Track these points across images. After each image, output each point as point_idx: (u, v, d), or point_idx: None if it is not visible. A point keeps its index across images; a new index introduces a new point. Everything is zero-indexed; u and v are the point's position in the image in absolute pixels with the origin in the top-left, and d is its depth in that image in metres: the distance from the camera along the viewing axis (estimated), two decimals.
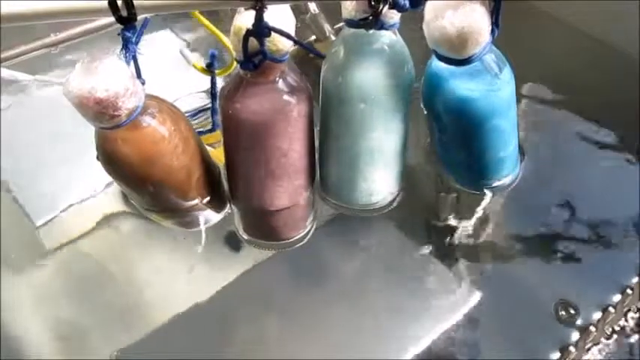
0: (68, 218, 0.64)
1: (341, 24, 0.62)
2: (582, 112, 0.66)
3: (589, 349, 0.48)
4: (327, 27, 0.59)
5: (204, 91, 0.62)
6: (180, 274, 0.60)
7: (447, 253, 0.55)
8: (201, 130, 0.52)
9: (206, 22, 0.44)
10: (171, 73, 0.67)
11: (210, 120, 0.51)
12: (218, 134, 0.52)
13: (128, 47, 0.33)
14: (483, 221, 0.56)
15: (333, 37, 0.60)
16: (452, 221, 0.56)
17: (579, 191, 0.58)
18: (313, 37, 0.61)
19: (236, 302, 0.57)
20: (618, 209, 0.57)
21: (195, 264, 0.60)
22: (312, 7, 0.59)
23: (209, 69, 0.48)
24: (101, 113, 0.33)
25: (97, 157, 0.37)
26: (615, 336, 0.49)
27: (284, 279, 0.56)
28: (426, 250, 0.55)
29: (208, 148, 0.51)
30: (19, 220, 0.64)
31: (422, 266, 0.54)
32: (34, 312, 0.59)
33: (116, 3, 0.31)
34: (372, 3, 0.32)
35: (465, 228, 0.55)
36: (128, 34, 0.32)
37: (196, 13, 0.45)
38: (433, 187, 0.59)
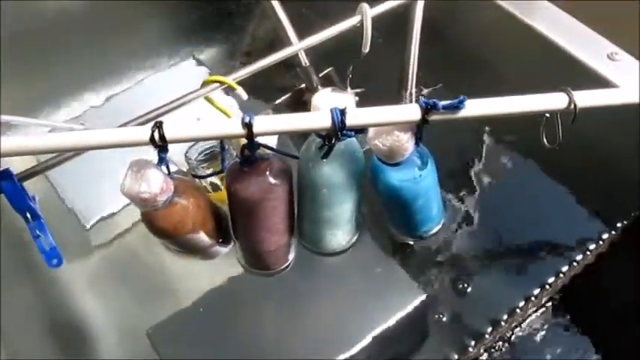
0: (112, 219, 0.80)
1: (327, 70, 0.77)
2: None
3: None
4: (315, 79, 0.73)
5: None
6: (202, 262, 0.74)
7: (404, 260, 0.70)
8: (214, 171, 0.67)
9: (220, 106, 0.59)
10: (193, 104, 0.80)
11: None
12: None
13: (162, 161, 0.48)
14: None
15: (320, 88, 0.74)
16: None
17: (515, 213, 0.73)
18: (303, 85, 0.75)
19: (241, 288, 0.72)
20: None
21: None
22: (304, 60, 0.73)
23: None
24: (144, 205, 0.49)
25: (142, 220, 0.54)
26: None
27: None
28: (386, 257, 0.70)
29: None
30: (70, 222, 0.79)
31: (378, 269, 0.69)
32: (85, 296, 0.73)
33: (154, 137, 0.46)
34: (325, 140, 0.47)
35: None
36: (162, 155, 0.48)
37: (211, 98, 0.60)
38: None
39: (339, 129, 0.46)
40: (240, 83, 0.58)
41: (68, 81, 0.89)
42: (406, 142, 0.49)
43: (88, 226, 0.79)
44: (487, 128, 0.80)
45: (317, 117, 0.47)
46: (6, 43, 0.83)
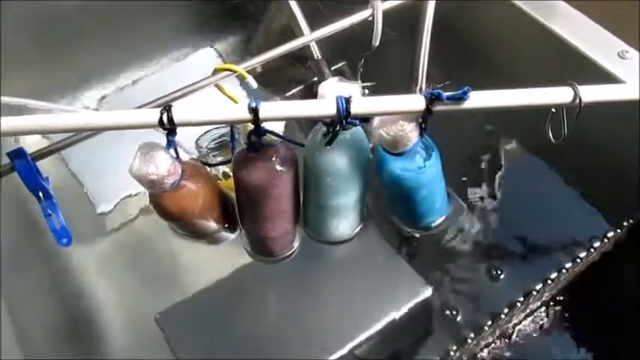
0: (124, 206, 0.82)
1: (339, 65, 0.78)
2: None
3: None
4: (327, 71, 0.73)
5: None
6: (210, 250, 0.74)
7: (409, 253, 0.71)
8: (224, 159, 0.68)
9: (228, 93, 0.60)
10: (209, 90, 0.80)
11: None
12: None
13: (170, 144, 0.50)
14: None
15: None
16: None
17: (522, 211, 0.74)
18: (315, 79, 0.76)
19: (248, 275, 0.73)
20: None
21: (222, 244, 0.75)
22: (316, 53, 0.74)
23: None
24: (152, 186, 0.50)
25: (150, 202, 0.55)
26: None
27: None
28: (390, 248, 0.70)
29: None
30: (84, 207, 0.81)
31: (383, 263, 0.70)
32: (95, 280, 0.75)
33: (163, 121, 0.47)
34: (329, 128, 0.48)
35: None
36: (171, 138, 0.49)
37: (220, 86, 0.61)
38: None
39: (343, 117, 0.47)
40: (254, 77, 0.59)
41: (85, 70, 0.91)
42: (410, 131, 0.49)
43: (101, 212, 0.81)
44: (493, 124, 0.80)
45: (322, 104, 0.47)
46: (27, 31, 0.85)
